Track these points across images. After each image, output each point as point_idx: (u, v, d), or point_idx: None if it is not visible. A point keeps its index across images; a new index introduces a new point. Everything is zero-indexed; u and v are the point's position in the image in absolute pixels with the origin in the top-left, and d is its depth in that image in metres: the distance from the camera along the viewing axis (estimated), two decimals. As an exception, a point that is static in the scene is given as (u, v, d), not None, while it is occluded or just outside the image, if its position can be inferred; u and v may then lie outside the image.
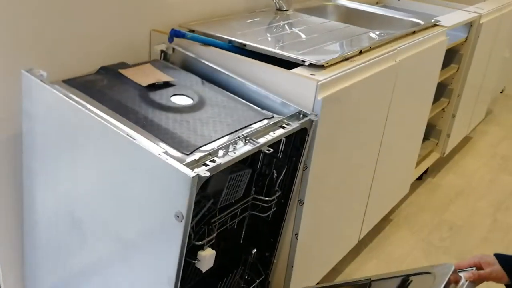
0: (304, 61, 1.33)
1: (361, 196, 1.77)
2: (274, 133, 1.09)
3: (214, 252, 1.07)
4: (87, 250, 1.15)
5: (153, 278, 1.03)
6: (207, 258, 1.05)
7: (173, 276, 0.98)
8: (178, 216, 0.92)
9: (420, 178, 2.54)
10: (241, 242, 1.43)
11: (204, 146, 1.00)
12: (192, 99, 1.16)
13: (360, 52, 1.49)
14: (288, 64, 1.32)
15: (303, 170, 1.31)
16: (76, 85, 1.14)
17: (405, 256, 2.04)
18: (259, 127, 1.10)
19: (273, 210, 1.27)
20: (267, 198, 1.23)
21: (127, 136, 0.95)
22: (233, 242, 1.43)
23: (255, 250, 1.40)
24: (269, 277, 1.41)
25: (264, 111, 1.20)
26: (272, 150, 1.04)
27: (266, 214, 1.26)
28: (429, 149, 2.53)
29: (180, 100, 1.14)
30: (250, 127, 1.10)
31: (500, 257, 1.10)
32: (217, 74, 1.32)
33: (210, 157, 0.96)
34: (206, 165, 0.93)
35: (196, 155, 0.95)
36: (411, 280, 1.04)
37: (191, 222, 1.05)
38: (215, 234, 1.08)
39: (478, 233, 2.23)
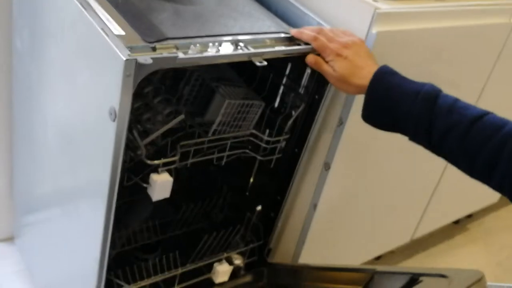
0: (370, -16, 1.02)
1: (423, 183, 1.42)
2: (282, 48, 0.82)
3: (171, 179, 0.84)
4: (43, 144, 0.98)
5: (88, 191, 0.83)
6: (158, 184, 0.82)
7: (105, 192, 0.77)
8: (111, 114, 0.70)
9: (519, 191, 2.08)
10: (247, 194, 1.19)
11: (178, 40, 0.76)
12: (197, -8, 0.92)
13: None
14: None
15: (337, 126, 1.02)
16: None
17: (469, 273, 1.65)
18: (267, 38, 0.84)
19: (276, 156, 1.01)
20: (267, 138, 0.97)
21: (78, 4, 0.74)
22: (241, 195, 1.20)
23: (259, 208, 1.15)
24: (269, 243, 1.16)
25: (287, 26, 0.93)
26: (266, 63, 0.77)
27: (265, 158, 1.00)
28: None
29: (180, -10, 0.91)
30: (256, 35, 0.85)
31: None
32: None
33: (175, 51, 0.73)
34: (164, 57, 0.70)
35: (158, 45, 0.72)
36: (421, 281, 0.74)
37: (149, 136, 0.84)
38: (177, 158, 0.85)
39: None
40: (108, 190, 0.76)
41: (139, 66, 0.66)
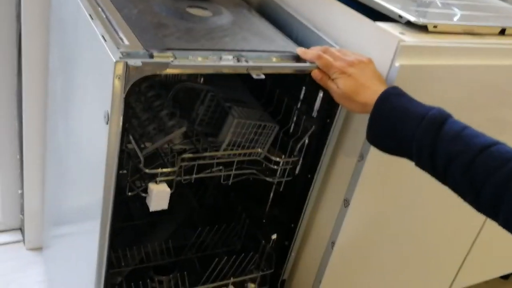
0: (401, 16, 0.99)
1: (462, 229, 1.32)
2: (283, 64, 0.83)
3: (169, 190, 0.84)
4: (66, 159, 1.03)
5: (89, 201, 0.85)
6: (154, 193, 0.83)
7: (100, 198, 0.78)
8: (105, 117, 0.73)
9: None
10: (264, 221, 1.17)
11: (178, 51, 0.79)
12: (213, 14, 0.95)
13: (502, 32, 1.06)
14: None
15: (358, 161, 0.98)
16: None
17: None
18: (273, 55, 0.85)
19: (285, 179, 0.99)
20: (275, 158, 0.95)
21: (87, 15, 0.79)
22: (258, 223, 1.18)
23: (275, 236, 1.12)
24: (283, 274, 1.12)
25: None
26: (263, 76, 0.77)
27: (272, 180, 0.98)
28: None
29: (196, 12, 0.94)
30: (262, 52, 0.85)
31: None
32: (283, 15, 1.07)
33: (172, 59, 0.75)
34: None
35: (156, 53, 0.75)
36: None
37: (149, 147, 0.85)
38: (176, 169, 0.86)
39: None
40: (103, 194, 0.78)
41: (129, 69, 0.68)
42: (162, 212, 1.23)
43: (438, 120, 0.74)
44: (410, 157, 0.77)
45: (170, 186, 0.86)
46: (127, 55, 0.71)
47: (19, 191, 1.31)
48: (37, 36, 1.09)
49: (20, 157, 1.26)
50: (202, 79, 1.10)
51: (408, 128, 0.75)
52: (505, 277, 1.63)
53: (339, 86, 0.82)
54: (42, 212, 1.30)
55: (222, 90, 1.03)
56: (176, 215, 1.27)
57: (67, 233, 1.11)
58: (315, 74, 0.84)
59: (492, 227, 1.34)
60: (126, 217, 1.25)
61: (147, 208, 0.90)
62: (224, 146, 0.96)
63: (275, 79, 1.04)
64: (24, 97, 1.15)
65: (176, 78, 1.06)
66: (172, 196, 0.87)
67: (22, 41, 1.09)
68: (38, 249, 1.35)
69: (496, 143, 0.70)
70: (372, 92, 0.79)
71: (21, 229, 1.38)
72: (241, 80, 1.09)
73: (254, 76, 0.77)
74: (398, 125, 0.77)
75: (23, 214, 1.33)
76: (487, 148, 0.70)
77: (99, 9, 0.83)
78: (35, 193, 1.28)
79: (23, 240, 1.36)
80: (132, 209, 1.28)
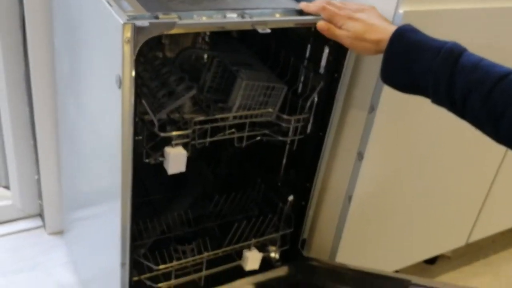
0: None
1: (477, 176, 1.33)
2: (287, 18, 0.83)
3: (185, 152, 0.85)
4: (80, 140, 1.04)
5: (108, 176, 0.87)
6: (171, 156, 0.84)
7: (118, 166, 0.79)
8: (117, 81, 0.74)
9: None
10: (279, 184, 1.18)
11: (184, 12, 0.79)
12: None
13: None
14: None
15: (369, 113, 0.99)
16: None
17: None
18: (277, 11, 0.85)
19: (298, 137, 1.00)
20: (286, 117, 0.96)
21: (91, -16, 0.80)
22: (273, 187, 1.19)
23: (291, 197, 1.13)
24: (302, 233, 1.13)
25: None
26: (269, 31, 0.78)
27: (285, 138, 0.99)
28: None
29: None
30: (265, 9, 0.86)
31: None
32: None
33: (178, 19, 0.75)
34: (166, 25, 0.73)
35: (161, 15, 0.75)
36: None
37: (162, 111, 0.86)
38: (190, 131, 0.87)
39: None
40: (121, 160, 0.79)
41: (137, 30, 0.69)
42: (178, 186, 1.25)
43: (455, 53, 0.74)
44: (426, 93, 0.77)
45: (186, 149, 0.87)
46: (134, 18, 0.72)
47: (36, 177, 1.33)
48: (40, 18, 1.09)
49: (34, 142, 1.27)
50: (206, 47, 1.11)
51: (424, 62, 0.75)
52: (522, 227, 1.64)
53: (349, 30, 0.82)
54: (60, 195, 1.31)
55: (227, 55, 1.03)
56: (191, 188, 1.28)
57: (87, 211, 1.13)
58: (321, 26, 0.84)
59: (507, 173, 1.35)
60: (143, 193, 1.26)
61: (163, 184, 0.91)
62: (234, 109, 0.96)
63: (280, 40, 1.04)
64: (32, 81, 1.16)
65: (181, 45, 1.07)
66: (186, 170, 0.88)
67: (26, 25, 1.10)
68: (59, 232, 1.37)
69: None
70: (383, 29, 0.80)
71: (40, 215, 1.40)
72: (246, 45, 1.09)
73: (260, 31, 0.77)
74: (414, 59, 0.76)
75: (41, 200, 1.35)
76: (506, 77, 0.69)
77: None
78: (52, 177, 1.30)
79: (44, 226, 1.38)
80: (148, 186, 1.30)
